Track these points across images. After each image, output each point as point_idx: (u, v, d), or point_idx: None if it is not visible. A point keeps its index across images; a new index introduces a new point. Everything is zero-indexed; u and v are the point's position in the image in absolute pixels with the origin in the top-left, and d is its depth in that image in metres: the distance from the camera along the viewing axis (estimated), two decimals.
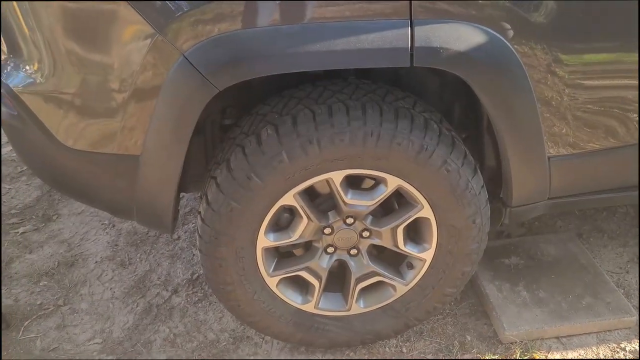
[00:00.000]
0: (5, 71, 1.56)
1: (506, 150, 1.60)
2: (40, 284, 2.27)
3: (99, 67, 1.43)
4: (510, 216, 1.77)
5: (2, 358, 1.96)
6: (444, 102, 1.82)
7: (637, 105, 1.62)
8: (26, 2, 1.39)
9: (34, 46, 1.47)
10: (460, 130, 1.80)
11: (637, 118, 1.64)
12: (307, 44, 1.35)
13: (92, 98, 1.48)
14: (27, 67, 1.52)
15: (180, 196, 1.88)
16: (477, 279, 2.10)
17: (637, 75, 1.56)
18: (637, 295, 2.08)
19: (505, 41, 1.43)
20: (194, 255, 2.38)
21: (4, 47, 1.56)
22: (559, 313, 1.96)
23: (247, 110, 1.67)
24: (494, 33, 1.41)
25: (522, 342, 1.91)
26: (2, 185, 2.90)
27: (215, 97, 1.41)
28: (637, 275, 2.17)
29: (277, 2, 1.34)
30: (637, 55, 1.53)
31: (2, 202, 2.77)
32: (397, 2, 1.35)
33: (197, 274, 2.28)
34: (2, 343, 2.01)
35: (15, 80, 1.53)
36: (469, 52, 1.39)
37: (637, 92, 1.59)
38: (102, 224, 2.60)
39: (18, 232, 2.56)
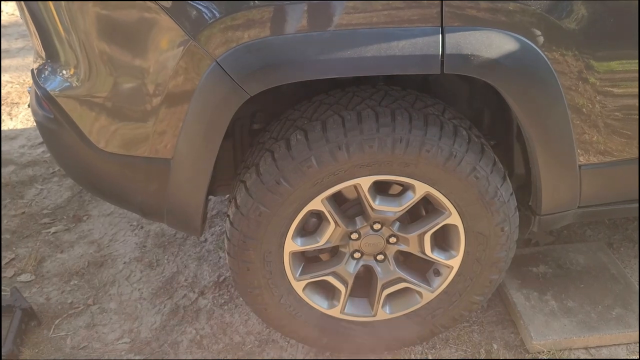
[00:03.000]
0: (43, 75, 1.61)
1: (536, 158, 1.58)
2: (71, 283, 2.32)
3: (134, 71, 1.46)
4: (539, 224, 1.75)
5: (36, 355, 2.00)
6: (473, 109, 1.82)
7: None
8: (64, 9, 1.43)
9: (71, 51, 1.51)
10: (490, 137, 1.79)
11: None
12: (337, 51, 1.36)
13: (126, 102, 1.51)
14: (64, 72, 1.56)
15: (208, 199, 1.90)
16: (505, 287, 2.08)
17: None
18: None
19: (536, 48, 1.42)
20: (220, 257, 2.41)
21: (42, 53, 1.61)
22: (588, 323, 1.93)
23: (276, 115, 1.68)
24: (525, 40, 1.40)
25: (549, 352, 1.89)
26: (35, 185, 2.97)
27: (245, 101, 1.43)
28: None
29: (308, 9, 1.36)
30: None
31: (34, 202, 2.83)
32: (428, 9, 1.35)
33: (223, 277, 2.30)
34: (35, 340, 2.06)
35: (52, 84, 1.58)
36: (500, 59, 1.39)
37: None
38: (131, 225, 2.64)
39: (50, 231, 2.62)
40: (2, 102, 3.87)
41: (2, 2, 5.75)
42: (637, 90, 1.56)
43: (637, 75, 1.54)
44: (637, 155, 1.67)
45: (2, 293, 2.25)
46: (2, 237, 2.58)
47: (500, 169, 1.60)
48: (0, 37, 4.93)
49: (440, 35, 1.36)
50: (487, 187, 1.57)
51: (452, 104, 1.69)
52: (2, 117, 3.69)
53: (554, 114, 1.52)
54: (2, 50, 4.73)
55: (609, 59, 1.51)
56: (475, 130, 1.62)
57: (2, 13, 5.64)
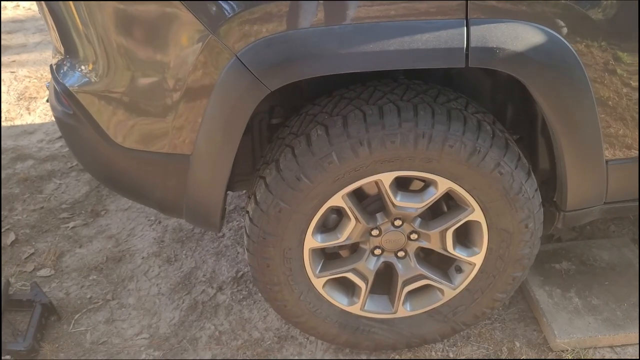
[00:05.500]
0: (61, 71, 1.60)
1: (562, 153, 1.55)
2: (90, 278, 2.32)
3: (152, 66, 1.44)
4: (564, 221, 1.71)
5: (56, 350, 2.01)
6: (496, 103, 1.78)
7: None
8: (83, 5, 1.42)
9: (90, 46, 1.49)
10: (513, 131, 1.75)
11: None
12: (359, 45, 1.33)
13: (145, 97, 1.50)
14: (83, 67, 1.55)
15: (226, 194, 1.89)
16: (527, 284, 2.05)
17: None
18: None
19: (563, 40, 1.38)
20: (238, 253, 2.40)
21: (61, 48, 1.60)
22: (613, 321, 1.90)
23: (294, 110, 1.66)
24: (552, 32, 1.37)
25: (574, 350, 1.86)
26: (53, 180, 2.98)
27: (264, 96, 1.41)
28: None
29: (329, 2, 1.33)
30: None
31: (52, 196, 2.84)
32: (453, 1, 1.31)
33: (241, 272, 2.29)
34: (55, 334, 2.07)
35: (71, 80, 1.57)
36: (526, 52, 1.35)
37: None
38: (149, 220, 2.64)
39: (68, 226, 2.63)
40: (21, 97, 3.89)
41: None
42: None
43: None
44: None
45: (23, 288, 2.26)
46: (22, 231, 2.59)
47: (525, 164, 1.57)
48: (0, 32, 4.96)
49: (465, 28, 1.33)
50: (512, 183, 1.54)
51: (474, 97, 1.66)
52: (21, 111, 3.71)
53: (581, 108, 1.48)
54: (19, 45, 4.76)
55: (636, 50, 1.46)
56: (499, 125, 1.59)
57: (20, 7, 5.68)
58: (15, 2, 5.74)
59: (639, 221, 2.38)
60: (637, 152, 1.61)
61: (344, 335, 1.83)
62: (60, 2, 1.48)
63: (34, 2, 1.68)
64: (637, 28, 1.43)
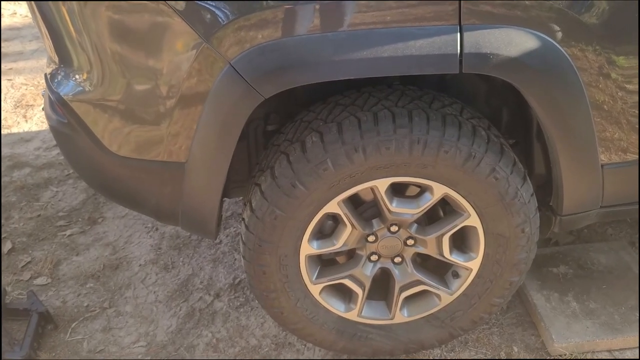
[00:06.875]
0: (56, 80, 1.60)
1: (557, 157, 1.55)
2: (87, 286, 2.32)
3: (147, 75, 1.44)
4: (561, 225, 1.72)
5: (53, 359, 2.00)
6: (491, 108, 1.78)
7: None
8: (77, 14, 1.41)
9: (84, 55, 1.49)
10: (509, 136, 1.75)
11: None
12: (353, 51, 1.33)
13: (140, 105, 1.49)
14: (77, 76, 1.55)
15: (222, 201, 1.88)
16: (525, 288, 2.05)
17: None
18: None
19: (557, 45, 1.38)
20: (235, 259, 2.39)
21: (55, 57, 1.60)
22: (611, 325, 1.89)
23: (290, 116, 1.66)
24: (546, 37, 1.37)
25: (572, 354, 1.85)
26: (50, 188, 2.97)
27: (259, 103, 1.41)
28: None
29: (323, 9, 1.33)
30: None
31: (49, 204, 2.84)
32: (445, 7, 1.31)
33: (239, 279, 2.29)
34: (52, 343, 2.06)
35: (65, 89, 1.57)
36: (520, 57, 1.35)
37: None
38: (146, 227, 2.64)
39: (65, 234, 2.62)
40: (18, 105, 3.89)
41: (18, 4, 5.80)
42: None
43: None
44: None
45: (19, 296, 2.25)
46: (19, 240, 2.59)
47: (520, 169, 1.57)
48: (0, 38, 4.96)
49: (459, 34, 1.33)
50: (507, 188, 1.54)
51: (469, 102, 1.66)
52: (18, 119, 3.71)
53: (576, 112, 1.48)
54: (16, 53, 4.77)
55: (630, 53, 1.46)
56: (494, 130, 1.59)
57: (17, 15, 5.68)
58: (12, 10, 5.75)
59: (639, 225, 2.38)
60: (633, 155, 1.61)
61: (341, 342, 1.82)
62: (54, 10, 1.47)
63: (30, 12, 1.68)
64: (631, 31, 1.43)
